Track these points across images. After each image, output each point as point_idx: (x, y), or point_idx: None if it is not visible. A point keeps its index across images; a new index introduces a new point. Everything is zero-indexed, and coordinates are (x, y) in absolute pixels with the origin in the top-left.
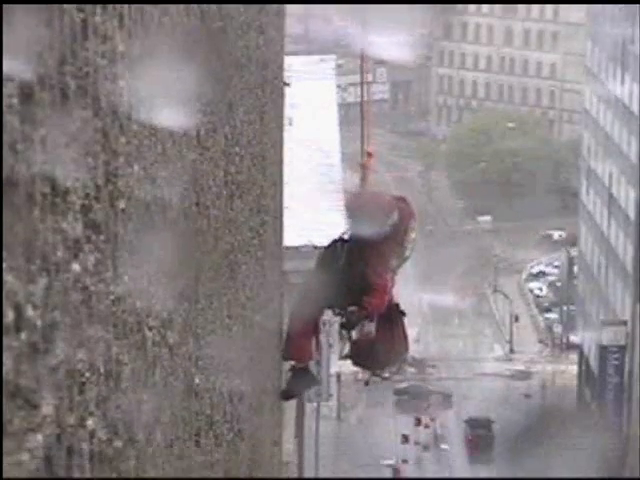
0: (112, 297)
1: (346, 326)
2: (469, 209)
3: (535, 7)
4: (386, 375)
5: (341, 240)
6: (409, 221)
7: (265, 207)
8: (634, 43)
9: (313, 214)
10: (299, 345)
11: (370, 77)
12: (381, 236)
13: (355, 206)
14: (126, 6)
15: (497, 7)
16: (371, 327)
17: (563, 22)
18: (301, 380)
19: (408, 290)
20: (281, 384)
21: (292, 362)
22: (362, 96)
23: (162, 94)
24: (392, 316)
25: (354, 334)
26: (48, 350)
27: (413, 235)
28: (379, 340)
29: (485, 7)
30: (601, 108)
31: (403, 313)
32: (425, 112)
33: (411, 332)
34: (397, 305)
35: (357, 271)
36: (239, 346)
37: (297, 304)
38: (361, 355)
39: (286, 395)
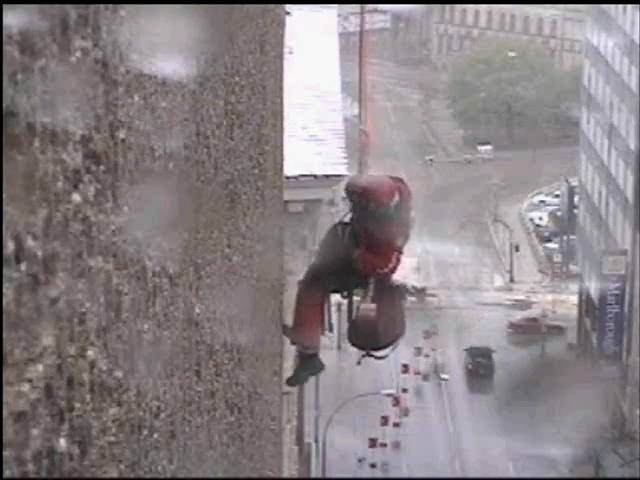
0: (112, 227)
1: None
2: (469, 138)
3: None
4: (380, 355)
5: (342, 224)
6: (409, 200)
7: (265, 136)
8: None
9: (313, 143)
10: (307, 331)
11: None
12: (385, 219)
13: (356, 191)
14: None
15: None
16: (372, 307)
17: None
18: (308, 367)
19: None
20: (282, 314)
21: (299, 348)
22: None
23: (162, 28)
24: (393, 297)
25: (353, 314)
26: (48, 281)
27: (412, 214)
28: (378, 321)
29: None
30: (602, 37)
31: (403, 295)
32: (426, 41)
33: (411, 261)
34: (398, 286)
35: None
36: (239, 275)
37: (303, 289)
38: (359, 335)
39: (293, 382)
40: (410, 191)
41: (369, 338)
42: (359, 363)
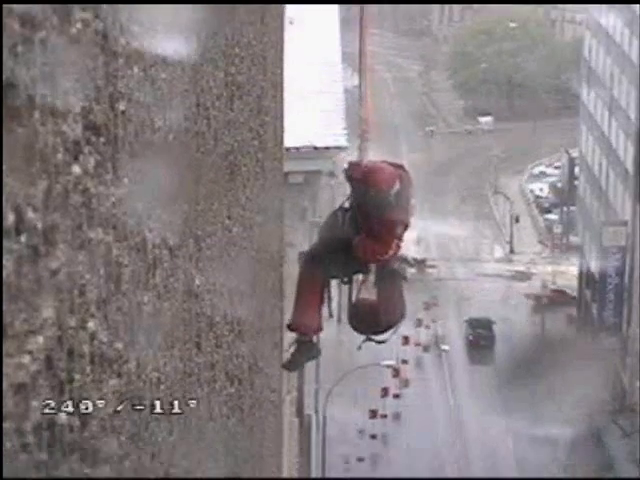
0: (112, 199)
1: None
2: (470, 109)
3: None
4: (381, 339)
5: (342, 209)
6: (409, 188)
7: (265, 108)
8: None
9: (314, 115)
10: (307, 318)
11: None
12: (385, 206)
13: (356, 177)
14: None
15: None
16: (372, 292)
17: None
18: (305, 352)
19: None
20: (282, 286)
21: (297, 334)
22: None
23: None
24: (393, 281)
25: (354, 299)
26: (49, 252)
27: (413, 201)
28: (379, 306)
29: None
30: (603, 8)
31: (405, 278)
32: (426, 12)
33: (411, 234)
34: (398, 270)
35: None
36: (239, 247)
37: (303, 276)
38: (359, 319)
39: (289, 367)
40: (410, 178)
41: (370, 323)
42: (359, 348)
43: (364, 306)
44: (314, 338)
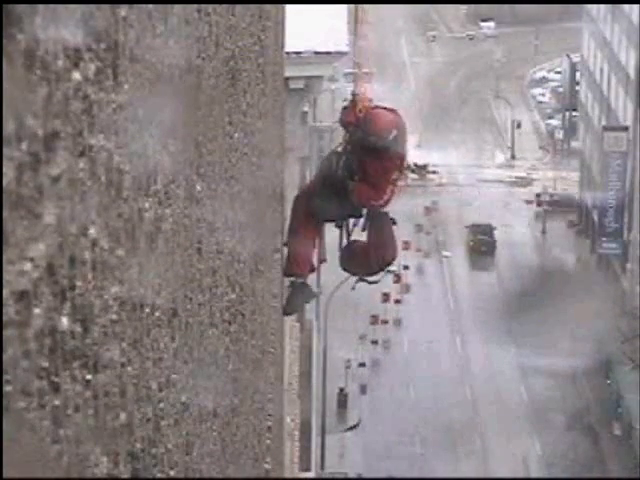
0: (113, 105)
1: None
2: (472, 14)
3: None
4: (372, 280)
5: (335, 154)
6: (405, 134)
7: (267, 13)
8: None
9: (315, 19)
10: (300, 261)
11: None
12: (383, 151)
13: (353, 122)
14: None
15: None
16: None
17: None
18: (300, 295)
19: (408, 94)
20: (283, 190)
21: (292, 277)
22: None
23: None
24: (383, 223)
25: (344, 240)
26: (49, 159)
27: (407, 147)
28: (369, 247)
29: None
30: None
31: (394, 222)
32: None
33: (412, 139)
34: (387, 214)
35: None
36: (240, 152)
37: (296, 221)
38: (350, 260)
39: (287, 311)
40: (405, 124)
41: (361, 265)
42: (353, 288)
43: (355, 249)
44: (306, 280)
